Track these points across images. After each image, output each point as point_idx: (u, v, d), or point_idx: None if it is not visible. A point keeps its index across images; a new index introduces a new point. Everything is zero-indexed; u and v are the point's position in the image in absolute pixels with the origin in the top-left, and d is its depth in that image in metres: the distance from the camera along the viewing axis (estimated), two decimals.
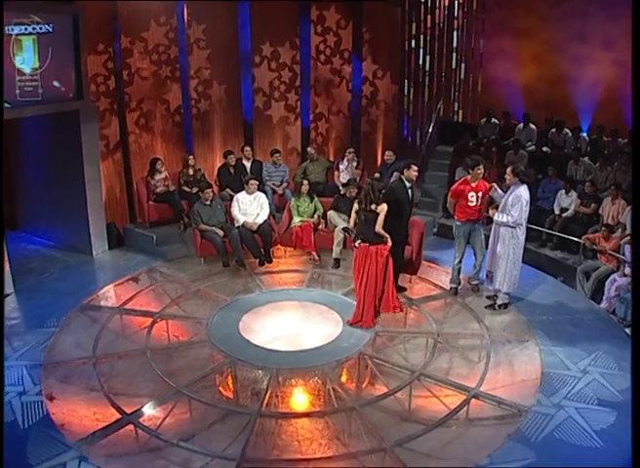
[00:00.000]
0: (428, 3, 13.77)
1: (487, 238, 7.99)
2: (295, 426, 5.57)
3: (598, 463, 5.07)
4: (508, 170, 7.46)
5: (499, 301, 7.81)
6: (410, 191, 7.80)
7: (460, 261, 8.10)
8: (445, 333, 7.10)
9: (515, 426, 5.53)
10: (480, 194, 7.82)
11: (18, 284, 8.39)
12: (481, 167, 7.82)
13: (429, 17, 13.85)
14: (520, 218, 7.39)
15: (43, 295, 8.19)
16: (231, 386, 6.21)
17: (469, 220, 7.95)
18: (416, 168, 7.81)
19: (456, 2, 13.86)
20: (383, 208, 7.02)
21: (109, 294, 8.27)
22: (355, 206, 7.31)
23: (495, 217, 7.56)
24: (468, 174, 8.12)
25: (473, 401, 5.84)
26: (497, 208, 7.66)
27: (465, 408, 5.76)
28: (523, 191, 7.41)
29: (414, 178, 7.86)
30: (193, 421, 5.64)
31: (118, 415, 5.56)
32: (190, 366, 6.47)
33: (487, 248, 7.98)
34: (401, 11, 13.51)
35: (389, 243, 7.09)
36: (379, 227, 7.01)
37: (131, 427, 5.40)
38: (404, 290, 8.13)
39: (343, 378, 6.40)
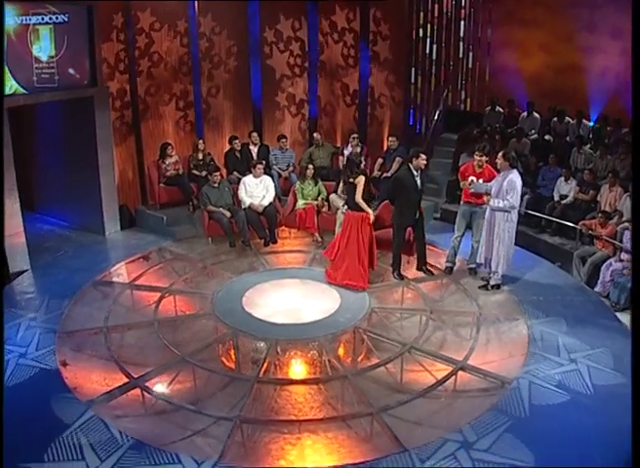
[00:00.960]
0: None
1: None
2: (290, 391, 5.97)
3: (575, 431, 5.38)
4: (499, 155, 7.77)
5: (492, 282, 8.12)
6: (418, 179, 8.14)
7: (458, 240, 8.45)
8: (438, 311, 7.44)
9: (498, 397, 5.85)
10: (482, 180, 8.15)
11: (34, 261, 8.80)
12: (479, 154, 8.18)
13: (437, 6, 13.97)
14: (516, 202, 7.71)
15: (58, 272, 8.60)
16: (233, 355, 6.62)
17: (470, 202, 8.31)
18: (424, 157, 8.16)
19: None
20: (360, 180, 7.82)
21: (121, 271, 8.67)
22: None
23: (490, 203, 7.85)
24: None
25: (461, 373, 6.15)
26: (489, 194, 7.96)
27: (452, 379, 6.08)
28: (515, 176, 7.71)
29: (422, 167, 8.20)
30: (196, 387, 6.03)
31: (126, 380, 5.97)
32: (195, 336, 6.89)
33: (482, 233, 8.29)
34: (408, 0, 13.71)
35: (370, 214, 7.91)
36: (358, 197, 7.83)
37: (138, 391, 5.81)
38: (402, 278, 8.42)
39: (338, 350, 6.76)
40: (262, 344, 6.53)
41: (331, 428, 5.39)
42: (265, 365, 6.17)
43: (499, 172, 7.96)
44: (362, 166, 8.44)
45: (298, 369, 6.46)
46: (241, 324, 6.85)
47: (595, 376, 6.18)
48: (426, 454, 5.02)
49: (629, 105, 11.82)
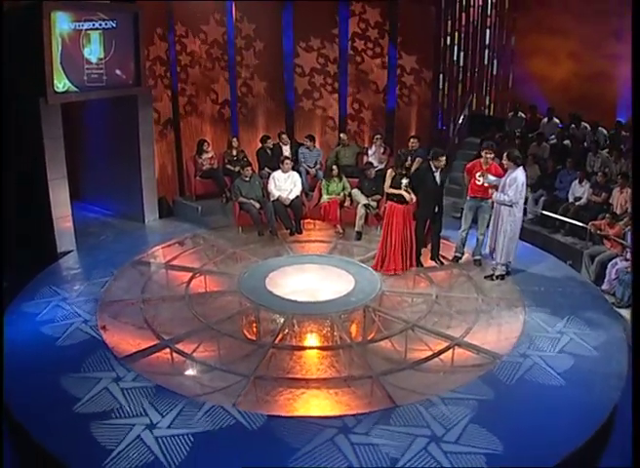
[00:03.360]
0: (463, 2, 14.46)
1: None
2: (300, 356, 6.74)
3: (553, 402, 5.95)
4: (505, 155, 8.42)
5: (496, 272, 8.71)
6: (437, 175, 8.85)
7: (465, 232, 9.11)
8: (443, 296, 8.10)
9: (488, 370, 6.43)
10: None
11: (79, 243, 9.69)
12: (487, 151, 8.82)
13: (464, 15, 14.56)
14: (516, 198, 8.30)
15: (100, 253, 9.45)
16: (253, 325, 7.40)
17: (476, 197, 8.96)
18: (443, 159, 8.87)
19: (489, 1, 14.66)
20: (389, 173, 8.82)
21: (157, 254, 9.51)
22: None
23: (494, 197, 8.51)
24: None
25: (457, 349, 6.80)
26: (496, 189, 8.60)
27: (449, 353, 6.74)
28: (519, 173, 8.33)
29: (442, 166, 8.89)
30: (219, 350, 6.80)
31: (158, 341, 6.79)
32: (221, 309, 7.67)
33: (489, 226, 8.90)
34: (436, 9, 14.29)
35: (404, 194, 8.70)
36: (386, 186, 8.85)
37: (167, 350, 6.63)
38: (421, 265, 9.13)
39: (348, 324, 7.44)
40: (280, 317, 7.29)
41: (334, 387, 6.11)
42: (281, 334, 6.94)
43: (505, 170, 8.59)
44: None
45: (309, 338, 7.20)
46: (263, 300, 7.60)
47: (582, 356, 6.71)
48: (412, 410, 5.69)
49: None
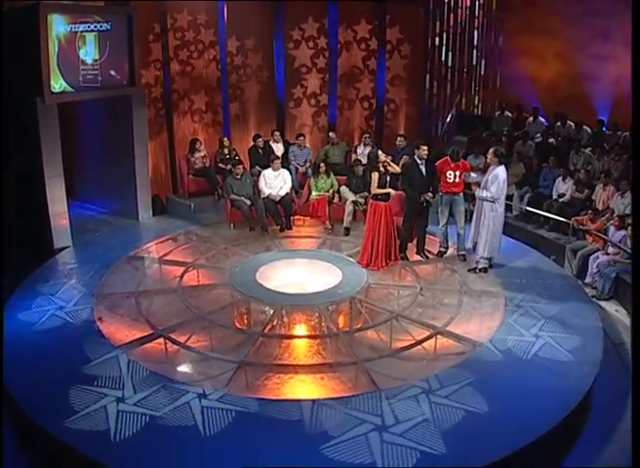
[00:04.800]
0: (451, 3, 14.86)
1: (472, 214, 9.23)
2: (288, 344, 7.02)
3: (529, 386, 6.24)
4: (490, 151, 8.75)
5: (479, 266, 9.01)
6: (422, 167, 9.16)
7: (445, 227, 9.45)
8: (428, 288, 8.40)
9: (468, 356, 6.72)
10: (458, 173, 9.17)
11: (75, 240, 9.96)
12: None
13: (452, 15, 14.92)
14: (497, 194, 8.59)
15: (96, 248, 9.74)
16: (243, 316, 7.70)
17: (449, 192, 9.31)
18: (425, 147, 9.21)
19: (477, 2, 15.01)
20: (374, 175, 8.95)
21: (151, 249, 9.80)
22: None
23: (476, 193, 8.83)
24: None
25: (439, 337, 7.08)
26: (479, 185, 8.90)
27: (431, 342, 7.03)
28: (501, 171, 8.63)
29: (424, 156, 9.20)
30: (210, 338, 7.08)
31: (152, 331, 7.08)
32: (213, 301, 7.95)
33: (472, 221, 9.21)
34: (425, 10, 14.58)
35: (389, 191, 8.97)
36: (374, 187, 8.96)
37: (162, 340, 6.92)
38: (407, 259, 9.44)
39: (334, 315, 7.75)
40: (269, 308, 7.60)
41: (319, 372, 6.42)
42: (270, 324, 7.25)
43: (488, 165, 8.90)
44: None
45: (297, 328, 7.51)
46: (253, 292, 7.94)
47: (558, 344, 6.98)
48: (393, 394, 5.97)
49: None
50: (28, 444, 5.89)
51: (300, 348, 6.96)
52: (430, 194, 9.19)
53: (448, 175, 9.16)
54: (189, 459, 5.16)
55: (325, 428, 5.47)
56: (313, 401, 5.83)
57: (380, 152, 9.20)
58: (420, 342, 7.00)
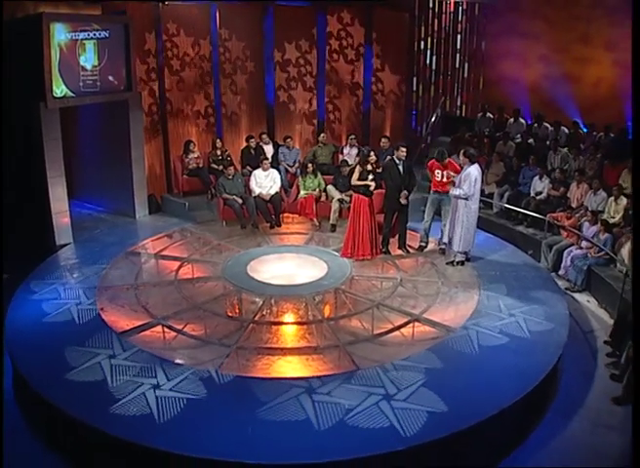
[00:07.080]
0: (436, 9, 15.42)
1: None
2: (276, 330, 7.61)
3: (494, 365, 6.82)
4: (461, 152, 9.31)
5: (456, 259, 9.56)
6: (400, 167, 9.71)
7: (428, 223, 10.00)
8: (407, 279, 8.97)
9: (442, 340, 7.28)
10: (445, 172, 9.68)
11: (75, 237, 10.48)
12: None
13: (436, 20, 15.50)
14: (470, 191, 9.12)
15: (95, 245, 10.25)
16: (235, 305, 8.28)
17: (437, 191, 9.86)
18: (404, 149, 9.75)
19: (460, 8, 15.56)
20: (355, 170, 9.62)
21: (148, 246, 10.33)
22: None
23: (450, 192, 9.38)
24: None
25: (416, 323, 7.68)
26: (454, 184, 9.43)
27: (409, 328, 7.61)
28: (473, 169, 9.15)
29: (403, 157, 9.74)
30: (205, 325, 7.64)
31: (150, 319, 7.63)
32: (207, 292, 8.51)
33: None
34: (410, 15, 15.07)
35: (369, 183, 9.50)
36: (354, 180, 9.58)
37: (159, 328, 7.49)
38: (389, 253, 10.01)
39: (319, 304, 8.31)
40: (259, 298, 8.17)
41: (305, 354, 7.01)
42: (260, 313, 7.82)
43: (461, 166, 9.46)
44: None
45: (285, 316, 8.06)
46: (244, 284, 8.56)
47: (527, 329, 7.54)
48: (371, 372, 6.55)
49: (622, 113, 12.98)
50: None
51: (288, 334, 7.55)
52: (406, 192, 9.74)
53: (436, 173, 9.74)
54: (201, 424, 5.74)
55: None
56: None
57: (372, 153, 9.76)
58: (399, 328, 7.57)
